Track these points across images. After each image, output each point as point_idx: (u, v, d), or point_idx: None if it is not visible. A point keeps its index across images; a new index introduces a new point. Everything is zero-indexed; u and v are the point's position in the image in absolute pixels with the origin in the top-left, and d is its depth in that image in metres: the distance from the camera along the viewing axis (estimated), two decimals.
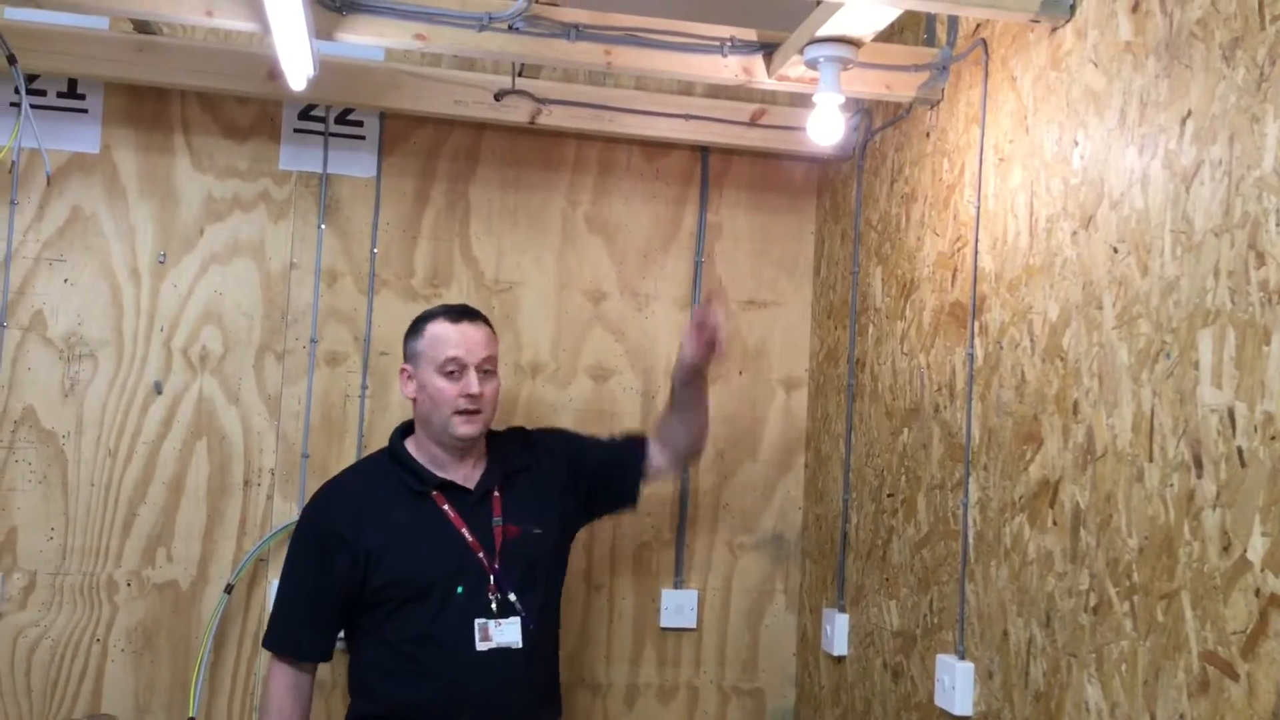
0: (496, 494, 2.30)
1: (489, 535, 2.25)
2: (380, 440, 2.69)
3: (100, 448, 2.60)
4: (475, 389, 2.22)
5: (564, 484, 2.40)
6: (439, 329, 2.26)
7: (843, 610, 2.61)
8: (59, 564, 2.57)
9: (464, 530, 2.24)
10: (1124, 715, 1.57)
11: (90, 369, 2.60)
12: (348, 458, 2.70)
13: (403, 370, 2.30)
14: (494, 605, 2.21)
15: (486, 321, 2.31)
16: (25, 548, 2.56)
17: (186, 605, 2.63)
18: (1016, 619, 1.87)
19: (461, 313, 2.29)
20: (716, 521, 2.91)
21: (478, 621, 2.20)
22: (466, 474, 2.30)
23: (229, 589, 2.62)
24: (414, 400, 2.29)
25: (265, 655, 2.63)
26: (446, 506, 2.25)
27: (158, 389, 2.63)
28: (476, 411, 2.24)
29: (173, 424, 2.64)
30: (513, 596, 2.23)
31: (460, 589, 2.20)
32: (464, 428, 2.23)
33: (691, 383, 2.42)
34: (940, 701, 2.07)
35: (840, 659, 2.62)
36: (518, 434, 2.48)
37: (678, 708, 2.88)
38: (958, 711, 2.00)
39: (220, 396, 2.66)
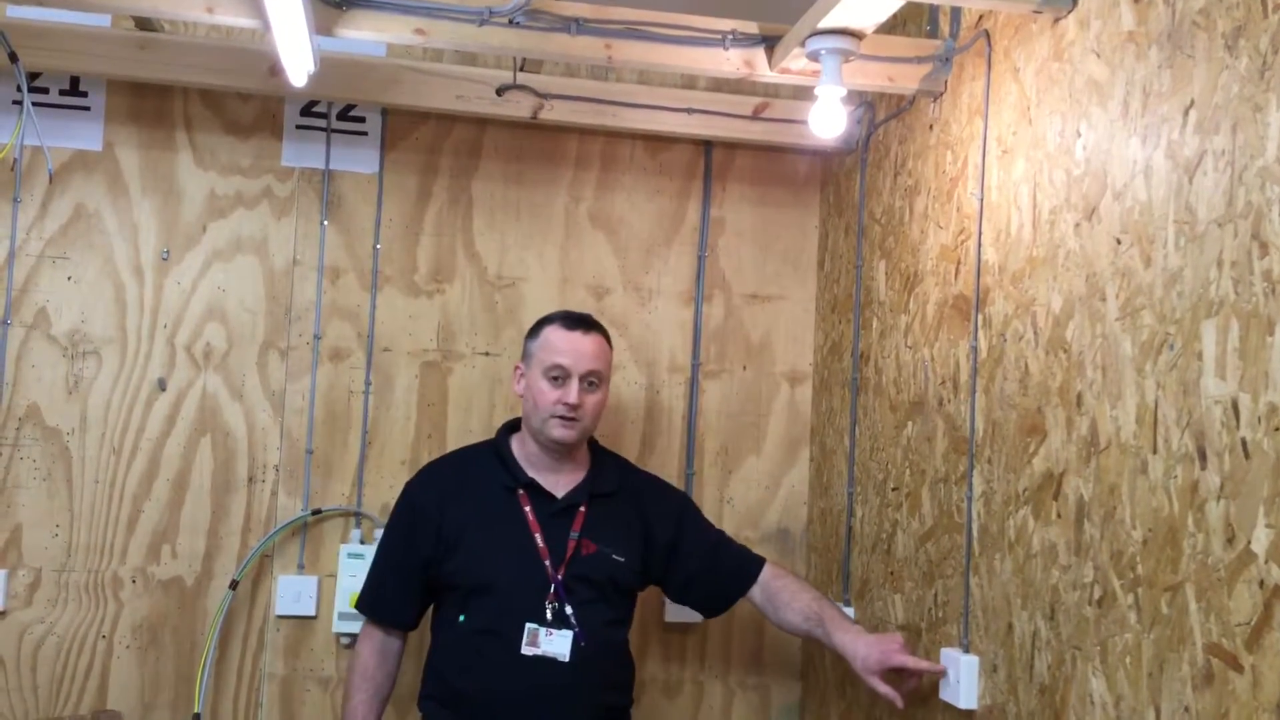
0: (582, 509, 2.33)
1: (561, 546, 2.28)
2: (385, 436, 2.72)
3: (104, 445, 2.60)
4: (573, 399, 2.28)
5: (660, 539, 2.41)
6: (552, 334, 2.32)
7: (848, 604, 2.61)
8: (64, 561, 2.57)
9: (537, 535, 2.28)
10: (1129, 708, 1.57)
11: (94, 366, 2.61)
12: (352, 454, 2.71)
13: (517, 368, 2.39)
14: (549, 614, 2.24)
15: (604, 334, 2.36)
16: (30, 545, 2.56)
17: (191, 601, 2.63)
18: (1021, 612, 1.86)
19: (578, 321, 2.35)
20: (721, 516, 2.90)
21: (528, 625, 2.23)
22: (557, 481, 2.35)
23: (234, 585, 2.63)
24: (520, 397, 2.36)
25: (271, 651, 2.65)
26: (528, 508, 2.30)
27: (161, 386, 2.64)
28: (574, 419, 2.29)
29: (177, 421, 2.64)
30: (569, 610, 2.25)
31: (518, 590, 2.24)
32: (558, 431, 2.29)
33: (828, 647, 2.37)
34: (945, 695, 2.06)
35: None
36: (623, 464, 2.51)
37: (683, 703, 2.87)
38: (963, 705, 2.00)
39: (224, 393, 2.67)
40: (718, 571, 2.48)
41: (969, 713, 2.01)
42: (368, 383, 2.73)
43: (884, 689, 2.15)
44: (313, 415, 2.70)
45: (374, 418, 2.74)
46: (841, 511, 2.68)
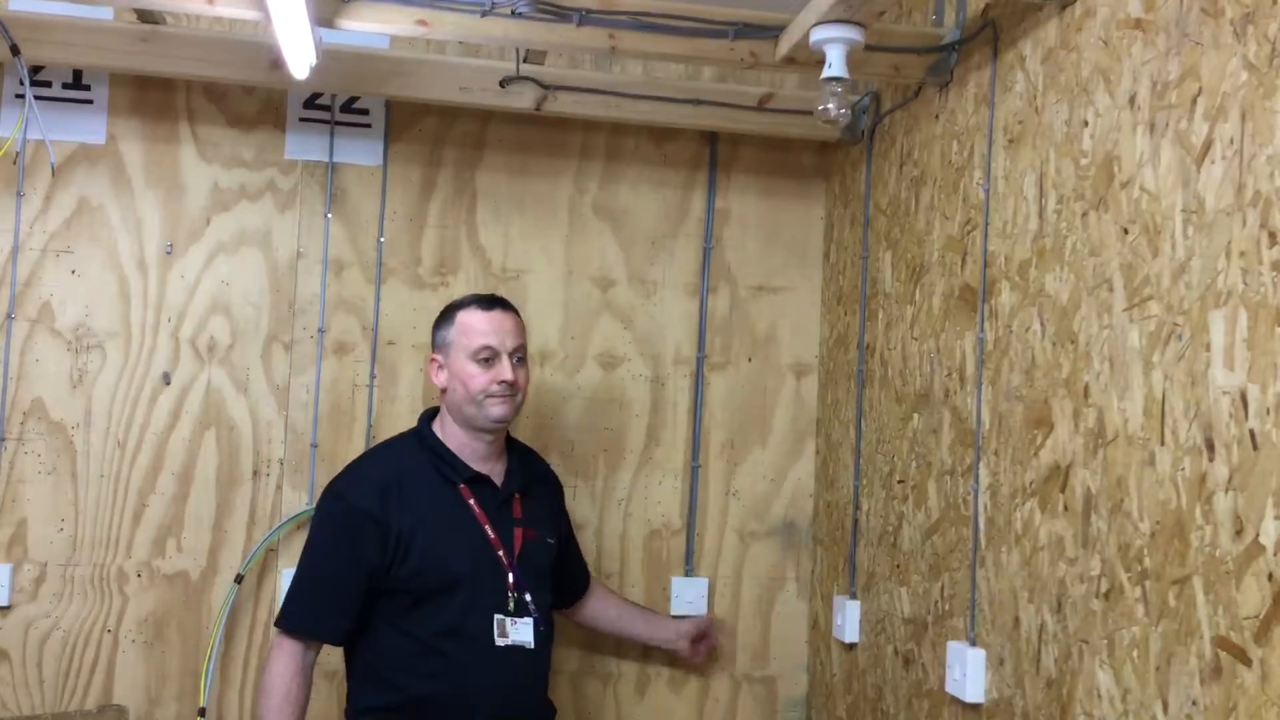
0: (518, 497, 2.34)
1: (509, 535, 2.29)
2: (389, 429, 2.71)
3: (109, 439, 2.60)
4: (509, 375, 2.26)
5: (561, 525, 2.52)
6: (470, 317, 2.29)
7: (854, 597, 2.60)
8: (69, 555, 2.57)
9: (486, 526, 2.27)
10: (1136, 702, 1.56)
11: (98, 360, 2.60)
12: (357, 447, 2.70)
13: (433, 360, 2.33)
14: (511, 604, 2.25)
15: (516, 310, 2.35)
16: (35, 539, 2.56)
17: (197, 595, 2.63)
18: (1028, 605, 1.85)
19: (492, 301, 2.33)
20: (726, 509, 2.90)
21: (496, 617, 2.23)
22: (493, 469, 2.33)
23: (239, 579, 2.62)
24: (444, 390, 2.30)
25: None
26: (472, 501, 2.28)
27: (166, 380, 2.63)
28: (510, 395, 2.27)
29: (181, 414, 2.64)
30: (528, 597, 2.28)
31: (481, 584, 2.24)
32: (498, 409, 2.26)
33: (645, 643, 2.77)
34: (951, 689, 2.05)
35: (852, 646, 2.60)
36: (527, 447, 2.54)
37: (689, 696, 2.87)
38: (969, 699, 1.99)
39: (228, 387, 2.66)
40: (575, 571, 2.61)
41: (975, 706, 2.00)
42: (372, 376, 2.73)
43: (695, 653, 2.72)
44: (317, 409, 2.69)
45: (378, 411, 2.73)
46: (847, 504, 2.66)
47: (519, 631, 2.24)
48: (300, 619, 2.22)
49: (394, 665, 2.21)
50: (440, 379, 2.31)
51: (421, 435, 2.34)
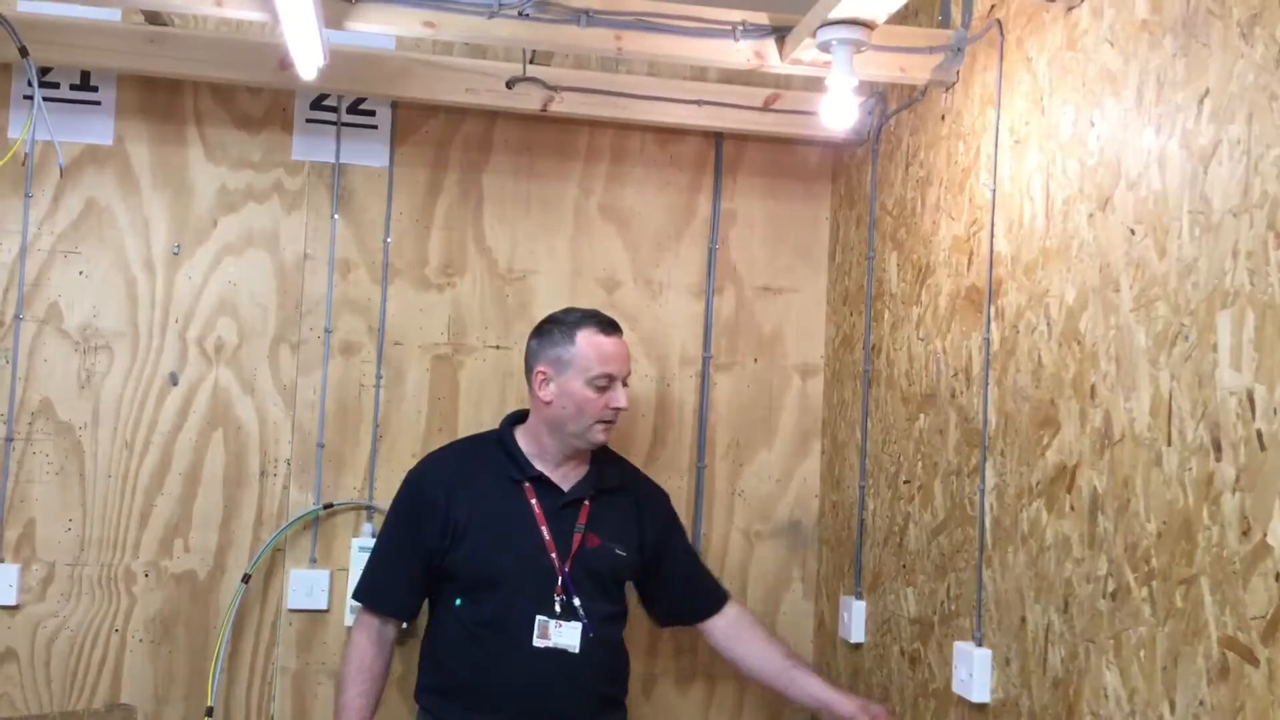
0: (587, 503, 2.34)
1: (567, 539, 2.30)
2: (396, 429, 2.72)
3: (117, 439, 2.61)
4: (623, 402, 2.31)
5: (651, 539, 2.44)
6: (595, 340, 2.29)
7: (860, 597, 2.60)
8: (77, 555, 2.58)
9: (543, 528, 2.29)
10: (1143, 702, 1.56)
11: (106, 360, 2.61)
12: (364, 447, 2.71)
13: (539, 373, 2.31)
14: (558, 607, 2.26)
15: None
16: (43, 539, 2.57)
17: (204, 595, 2.64)
18: (1034, 605, 1.85)
19: (611, 325, 2.34)
20: (732, 509, 2.90)
21: (538, 618, 2.25)
22: (565, 474, 2.35)
23: (246, 579, 2.63)
24: (548, 403, 2.30)
25: (283, 644, 2.65)
26: (534, 501, 2.30)
27: (173, 380, 2.64)
28: (614, 421, 2.33)
29: (189, 415, 2.65)
30: (578, 602, 2.27)
31: (525, 583, 2.25)
32: (602, 435, 2.32)
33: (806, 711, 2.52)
34: (958, 689, 2.05)
35: (857, 646, 2.61)
36: (621, 460, 2.52)
37: (695, 695, 2.87)
38: (975, 699, 1.99)
39: (235, 387, 2.67)
40: (694, 586, 2.53)
41: (981, 706, 2.00)
42: (379, 376, 2.73)
43: None
44: (324, 409, 2.70)
45: (385, 411, 2.74)
46: (853, 504, 2.67)
47: (562, 635, 2.25)
48: (367, 592, 2.34)
49: (446, 649, 2.30)
50: (547, 393, 2.30)
51: (500, 436, 2.38)
